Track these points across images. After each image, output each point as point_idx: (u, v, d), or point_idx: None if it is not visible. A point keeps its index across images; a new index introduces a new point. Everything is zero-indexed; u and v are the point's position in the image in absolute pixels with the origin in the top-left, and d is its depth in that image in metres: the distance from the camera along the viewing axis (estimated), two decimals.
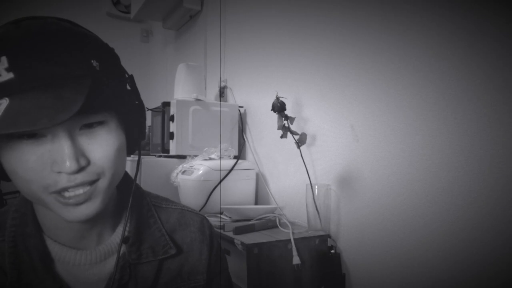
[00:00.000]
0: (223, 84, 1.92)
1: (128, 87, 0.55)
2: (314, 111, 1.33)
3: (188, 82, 1.73)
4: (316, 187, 1.19)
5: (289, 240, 1.11)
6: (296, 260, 1.09)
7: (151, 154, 1.80)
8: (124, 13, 2.98)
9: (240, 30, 1.85)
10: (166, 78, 2.66)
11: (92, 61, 0.47)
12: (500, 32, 0.81)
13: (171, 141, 1.59)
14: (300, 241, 1.13)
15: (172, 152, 1.60)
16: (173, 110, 1.59)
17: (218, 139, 1.63)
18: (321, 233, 1.18)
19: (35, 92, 0.43)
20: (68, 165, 0.45)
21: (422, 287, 0.96)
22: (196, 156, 1.54)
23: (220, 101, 1.89)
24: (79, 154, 0.46)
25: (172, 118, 1.58)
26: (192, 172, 1.41)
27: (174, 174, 1.47)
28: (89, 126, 0.48)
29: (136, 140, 0.58)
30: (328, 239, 1.19)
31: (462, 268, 0.87)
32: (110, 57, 0.52)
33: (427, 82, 0.96)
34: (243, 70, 1.81)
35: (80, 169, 0.46)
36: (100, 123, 0.49)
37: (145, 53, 3.10)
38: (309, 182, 1.19)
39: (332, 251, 1.16)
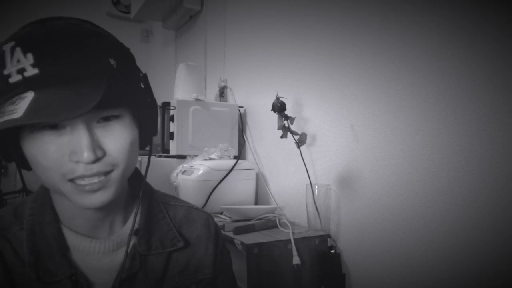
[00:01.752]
0: (223, 84, 1.92)
1: (142, 85, 0.58)
2: (314, 111, 1.33)
3: (188, 82, 1.73)
4: (316, 187, 1.19)
5: (289, 240, 1.11)
6: (296, 260, 1.09)
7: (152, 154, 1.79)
8: (124, 13, 2.98)
9: (240, 30, 1.85)
10: (166, 78, 2.66)
11: (110, 60, 0.51)
12: (500, 32, 0.81)
13: (171, 141, 1.59)
14: (300, 241, 1.13)
15: (172, 152, 1.60)
16: (173, 110, 1.59)
17: (218, 139, 1.63)
18: (321, 233, 1.18)
19: (58, 87, 0.46)
20: (85, 155, 0.48)
21: (422, 287, 0.96)
22: (196, 156, 1.54)
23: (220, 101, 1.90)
24: (96, 145, 0.50)
25: (172, 118, 1.58)
26: (192, 172, 1.41)
27: (174, 174, 1.47)
28: (106, 119, 0.51)
29: (148, 135, 0.61)
30: (328, 239, 1.19)
31: (462, 268, 0.87)
32: (126, 56, 0.55)
33: (427, 82, 0.96)
34: (243, 70, 1.81)
35: (96, 160, 0.49)
36: (116, 117, 0.52)
37: (145, 53, 3.10)
38: (309, 182, 1.19)
39: (332, 251, 1.16)
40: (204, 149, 1.51)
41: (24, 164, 0.55)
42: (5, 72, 0.47)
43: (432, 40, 0.94)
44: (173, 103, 1.60)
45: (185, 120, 1.59)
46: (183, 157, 1.57)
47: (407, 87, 1.01)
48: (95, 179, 0.50)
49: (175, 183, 1.45)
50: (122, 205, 0.62)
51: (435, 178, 0.93)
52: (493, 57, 0.82)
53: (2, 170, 2.70)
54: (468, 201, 0.86)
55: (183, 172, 1.45)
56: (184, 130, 1.59)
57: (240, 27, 1.86)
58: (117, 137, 0.52)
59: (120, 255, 0.59)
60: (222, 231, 1.16)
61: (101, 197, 0.51)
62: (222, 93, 1.92)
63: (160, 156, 1.67)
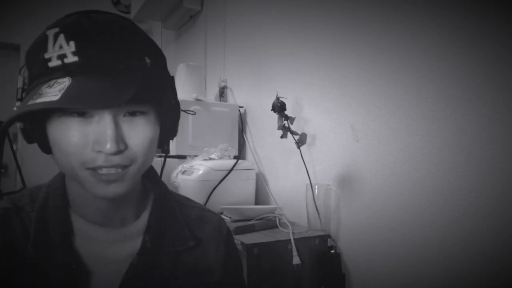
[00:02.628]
0: (223, 84, 1.92)
1: (169, 87, 0.59)
2: (314, 111, 1.33)
3: (188, 82, 1.73)
4: (316, 187, 1.19)
5: (289, 240, 1.11)
6: (296, 260, 1.09)
7: None
8: (124, 13, 2.98)
9: (240, 30, 1.85)
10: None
11: (145, 58, 0.53)
12: (500, 32, 0.81)
13: (171, 141, 1.59)
14: (300, 241, 1.13)
15: (172, 152, 1.60)
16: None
17: (218, 139, 1.63)
18: (321, 233, 1.18)
19: (95, 76, 0.48)
20: (109, 146, 0.49)
21: (422, 287, 0.96)
22: (196, 156, 1.54)
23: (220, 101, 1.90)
24: (120, 138, 0.51)
25: None
26: (192, 172, 1.41)
27: (174, 174, 1.47)
28: (132, 114, 0.53)
29: (168, 136, 0.63)
30: (328, 239, 1.19)
31: (462, 268, 0.87)
32: (159, 57, 0.57)
33: (427, 82, 0.96)
34: (243, 70, 1.81)
35: (118, 152, 0.50)
36: (142, 113, 0.54)
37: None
38: (309, 182, 1.19)
39: (332, 251, 1.16)
40: (204, 149, 1.51)
41: (44, 146, 0.56)
42: (46, 56, 0.49)
43: (432, 40, 0.94)
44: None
45: (185, 120, 1.59)
46: (183, 157, 1.57)
47: (407, 87, 1.01)
48: (113, 170, 0.51)
49: (175, 183, 1.45)
50: (135, 201, 0.62)
51: (435, 178, 0.93)
52: (493, 57, 0.82)
53: (2, 170, 2.70)
54: (468, 201, 0.86)
55: (183, 172, 1.45)
56: (184, 130, 1.59)
57: (240, 27, 1.86)
58: (140, 133, 0.53)
59: (128, 248, 0.59)
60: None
61: (116, 189, 0.52)
62: (222, 93, 1.92)
63: (160, 156, 1.67)
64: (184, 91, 1.70)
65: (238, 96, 1.84)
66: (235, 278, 0.70)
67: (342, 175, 1.20)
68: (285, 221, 1.24)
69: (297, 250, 1.10)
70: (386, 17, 1.07)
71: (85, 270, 0.56)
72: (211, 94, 2.03)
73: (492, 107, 0.82)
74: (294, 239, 1.11)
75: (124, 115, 0.52)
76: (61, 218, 0.57)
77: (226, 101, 1.91)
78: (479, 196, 0.84)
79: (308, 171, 1.22)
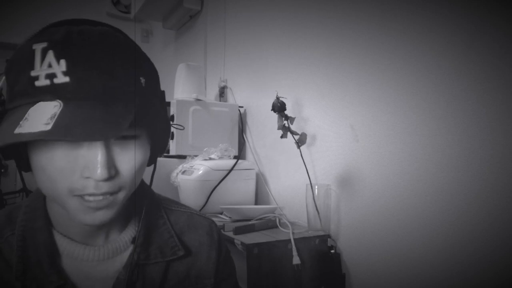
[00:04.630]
0: (223, 84, 1.92)
1: (160, 103, 0.56)
2: (314, 111, 1.33)
3: (188, 82, 1.73)
4: (316, 187, 1.19)
5: (289, 240, 1.11)
6: (296, 260, 1.09)
7: None
8: (124, 13, 2.98)
9: (240, 30, 1.85)
10: (166, 78, 2.66)
11: (141, 78, 0.49)
12: (500, 32, 0.81)
13: (171, 141, 1.59)
14: (300, 241, 1.13)
15: (172, 152, 1.60)
16: (173, 110, 1.59)
17: (218, 139, 1.63)
18: (321, 233, 1.18)
19: (88, 102, 0.44)
20: (99, 172, 0.46)
21: (422, 287, 0.96)
22: (196, 156, 1.54)
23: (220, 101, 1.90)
24: (111, 163, 0.48)
25: (172, 118, 1.58)
26: (192, 172, 1.41)
27: (174, 174, 1.47)
28: (124, 137, 0.49)
29: (157, 153, 0.60)
30: (328, 239, 1.19)
31: (462, 268, 0.87)
32: (154, 74, 0.54)
33: (427, 82, 0.96)
34: (243, 70, 1.81)
35: (109, 178, 0.47)
36: (133, 137, 0.50)
37: (145, 53, 3.09)
38: (309, 182, 1.19)
39: (332, 251, 1.16)
40: (204, 149, 1.51)
41: (23, 165, 0.52)
42: (33, 73, 0.44)
43: (432, 40, 0.94)
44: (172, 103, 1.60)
45: (185, 120, 1.59)
46: (183, 157, 1.57)
47: (407, 87, 1.01)
48: (101, 197, 0.48)
49: (175, 183, 1.45)
50: (121, 213, 0.58)
51: (435, 178, 0.93)
52: (493, 57, 0.82)
53: (2, 170, 2.70)
54: (468, 201, 0.86)
55: (183, 172, 1.45)
56: (184, 130, 1.59)
57: (240, 27, 1.86)
58: (131, 157, 0.50)
59: (116, 264, 0.57)
60: (222, 231, 1.16)
61: (103, 216, 0.49)
62: (222, 93, 1.92)
63: (160, 156, 1.67)
64: (184, 91, 1.70)
65: (238, 96, 1.84)
66: (228, 283, 0.68)
67: (342, 175, 1.20)
68: (285, 221, 1.24)
69: (297, 250, 1.10)
70: (386, 17, 1.07)
71: None
72: (211, 94, 2.03)
73: (492, 107, 0.82)
74: (294, 239, 1.11)
75: (116, 139, 0.49)
76: (45, 241, 0.54)
77: (226, 101, 1.91)
78: (479, 196, 0.84)
79: (308, 171, 1.22)
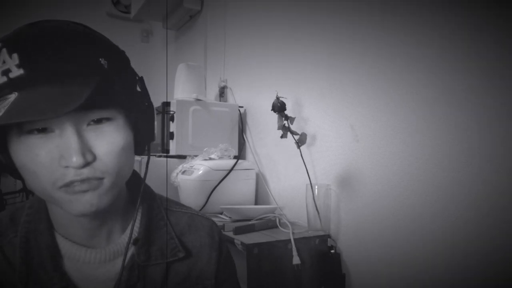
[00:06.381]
0: (223, 84, 1.92)
1: (138, 89, 0.56)
2: (314, 111, 1.33)
3: (188, 82, 1.73)
4: (316, 187, 1.19)
5: (289, 240, 1.11)
6: (296, 260, 1.09)
7: (151, 154, 1.79)
8: (124, 13, 2.98)
9: (240, 30, 1.85)
10: (166, 78, 2.66)
11: (100, 59, 0.49)
12: (500, 32, 0.81)
13: (171, 141, 1.59)
14: (300, 241, 1.13)
15: (172, 152, 1.60)
16: (173, 110, 1.59)
17: (218, 139, 1.63)
18: (321, 233, 1.18)
19: (44, 86, 0.45)
20: (74, 159, 0.46)
21: (422, 287, 0.96)
22: (196, 156, 1.54)
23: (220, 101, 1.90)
24: (86, 149, 0.47)
25: (172, 118, 1.58)
26: (192, 172, 1.41)
27: (174, 174, 1.47)
28: (97, 122, 0.49)
29: (144, 141, 0.59)
30: (328, 239, 1.19)
31: (462, 268, 0.87)
32: (118, 58, 0.54)
33: (427, 82, 0.96)
34: (243, 70, 1.81)
35: (86, 164, 0.47)
36: (108, 120, 0.50)
37: (145, 53, 3.10)
38: (309, 182, 1.19)
39: (332, 251, 1.16)
40: (204, 149, 1.51)
41: (13, 172, 0.52)
42: None
43: (433, 40, 0.94)
44: (171, 103, 1.60)
45: (185, 120, 1.59)
46: (183, 157, 1.57)
47: (407, 87, 1.01)
48: (86, 184, 0.48)
49: (175, 183, 1.45)
50: (120, 212, 0.59)
51: (435, 178, 0.93)
52: (493, 57, 0.82)
53: None
54: (468, 201, 0.86)
55: (183, 172, 1.45)
56: (184, 130, 1.59)
57: (240, 27, 1.86)
58: (108, 141, 0.49)
59: (118, 265, 0.57)
60: (222, 231, 1.16)
61: (92, 199, 0.48)
62: (222, 93, 1.92)
63: (160, 156, 1.67)
64: (184, 91, 1.70)
65: (238, 96, 1.84)
66: (229, 283, 0.69)
67: (342, 175, 1.20)
68: (285, 221, 1.24)
69: (297, 250, 1.10)
70: (386, 17, 1.06)
71: None
72: (211, 94, 2.03)
73: (492, 107, 0.82)
74: (294, 239, 1.11)
75: (88, 124, 0.49)
76: (47, 243, 0.54)
77: (226, 101, 1.91)
78: (479, 196, 0.84)
79: (308, 171, 1.22)
